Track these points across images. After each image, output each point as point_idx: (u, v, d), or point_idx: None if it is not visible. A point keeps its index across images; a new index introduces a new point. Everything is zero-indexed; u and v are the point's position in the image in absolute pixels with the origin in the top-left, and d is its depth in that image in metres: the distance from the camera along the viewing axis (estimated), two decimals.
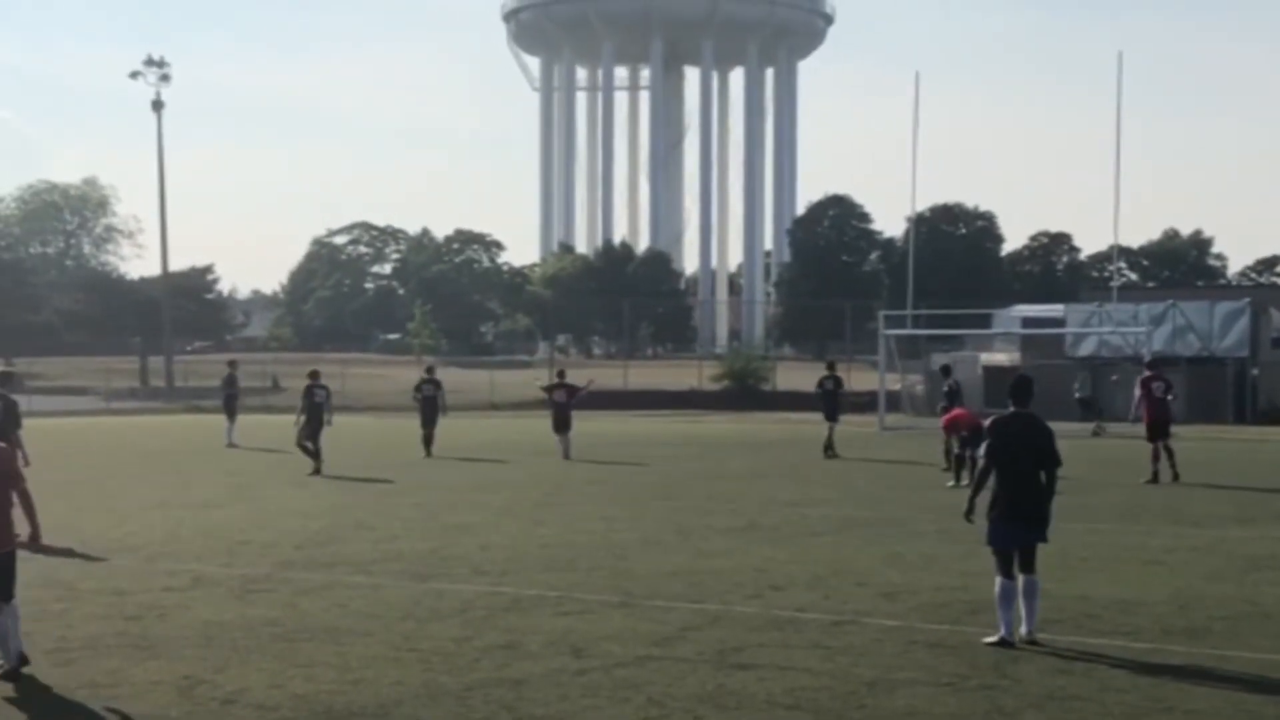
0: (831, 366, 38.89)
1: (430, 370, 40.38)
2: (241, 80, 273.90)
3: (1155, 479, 28.32)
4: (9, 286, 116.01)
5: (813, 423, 35.69)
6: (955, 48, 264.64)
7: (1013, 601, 12.42)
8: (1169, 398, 30.03)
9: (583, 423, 55.54)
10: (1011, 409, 12.84)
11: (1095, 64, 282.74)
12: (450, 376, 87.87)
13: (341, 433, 37.26)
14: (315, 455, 30.89)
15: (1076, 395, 51.50)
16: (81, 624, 13.38)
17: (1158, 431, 29.15)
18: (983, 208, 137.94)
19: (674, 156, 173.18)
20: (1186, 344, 57.82)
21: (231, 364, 44.55)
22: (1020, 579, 12.47)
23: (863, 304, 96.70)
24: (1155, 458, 28.83)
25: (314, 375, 33.10)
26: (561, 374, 39.60)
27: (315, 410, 31.96)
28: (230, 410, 41.75)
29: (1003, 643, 12.28)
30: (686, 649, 12.21)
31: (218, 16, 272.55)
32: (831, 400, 36.96)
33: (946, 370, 32.86)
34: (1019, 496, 12.51)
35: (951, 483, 27.47)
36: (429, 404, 38.00)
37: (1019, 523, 12.49)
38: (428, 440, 37.21)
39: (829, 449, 35.78)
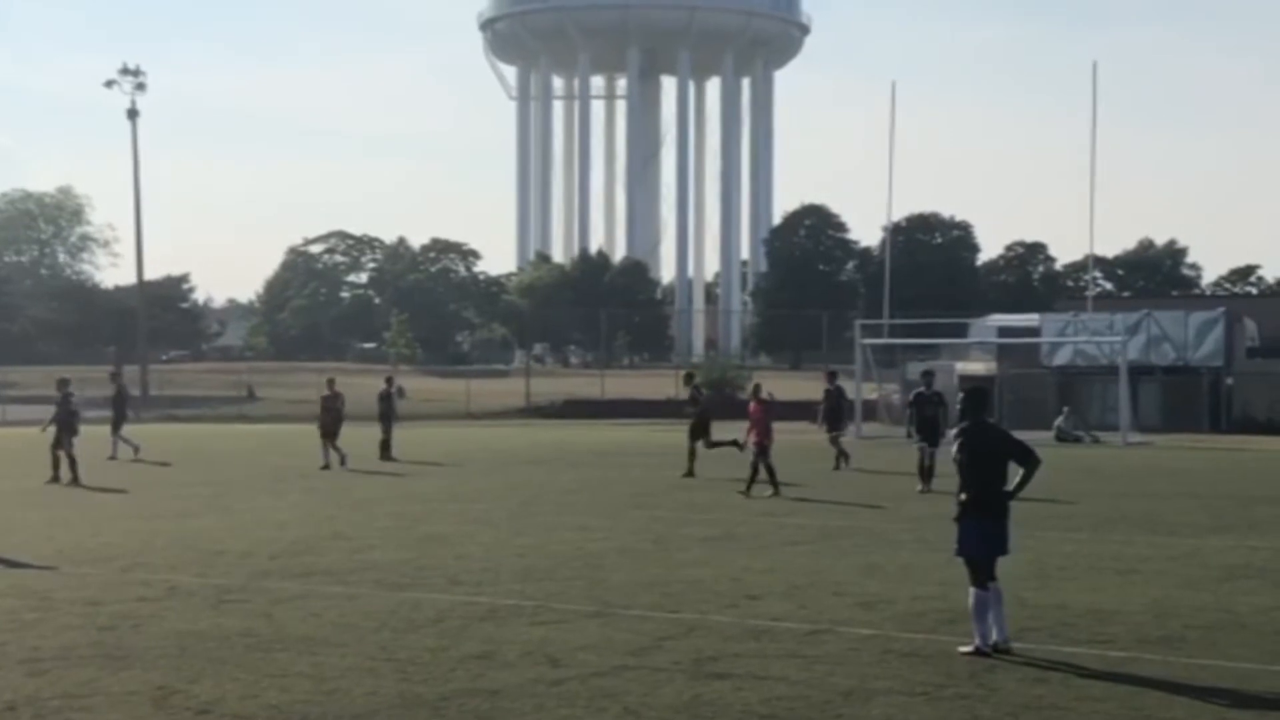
0: (834, 375, 38.05)
1: (389, 380, 41.23)
2: (217, 89, 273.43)
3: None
4: None
5: (791, 431, 35.74)
6: (931, 58, 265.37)
7: (987, 612, 12.42)
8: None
9: (558, 431, 55.56)
10: (973, 419, 12.89)
11: (1070, 75, 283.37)
12: (427, 386, 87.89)
13: (319, 442, 37.15)
14: (74, 464, 30.82)
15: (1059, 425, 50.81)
16: (55, 634, 13.31)
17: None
18: (959, 217, 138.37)
19: (651, 166, 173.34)
20: (1161, 353, 57.99)
21: (116, 375, 43.32)
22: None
23: (839, 313, 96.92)
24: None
25: (64, 384, 32.89)
26: (331, 381, 38.78)
27: (70, 419, 31.84)
28: (117, 421, 40.79)
29: (978, 652, 12.27)
30: (663, 658, 12.19)
31: (193, 26, 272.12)
32: (840, 409, 36.62)
33: (927, 378, 31.25)
34: (986, 503, 12.56)
35: (740, 490, 27.37)
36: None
37: (988, 530, 12.55)
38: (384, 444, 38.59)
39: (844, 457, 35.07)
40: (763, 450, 27.69)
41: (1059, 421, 50.73)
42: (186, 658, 12.25)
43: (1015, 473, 12.71)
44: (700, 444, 32.60)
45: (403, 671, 11.69)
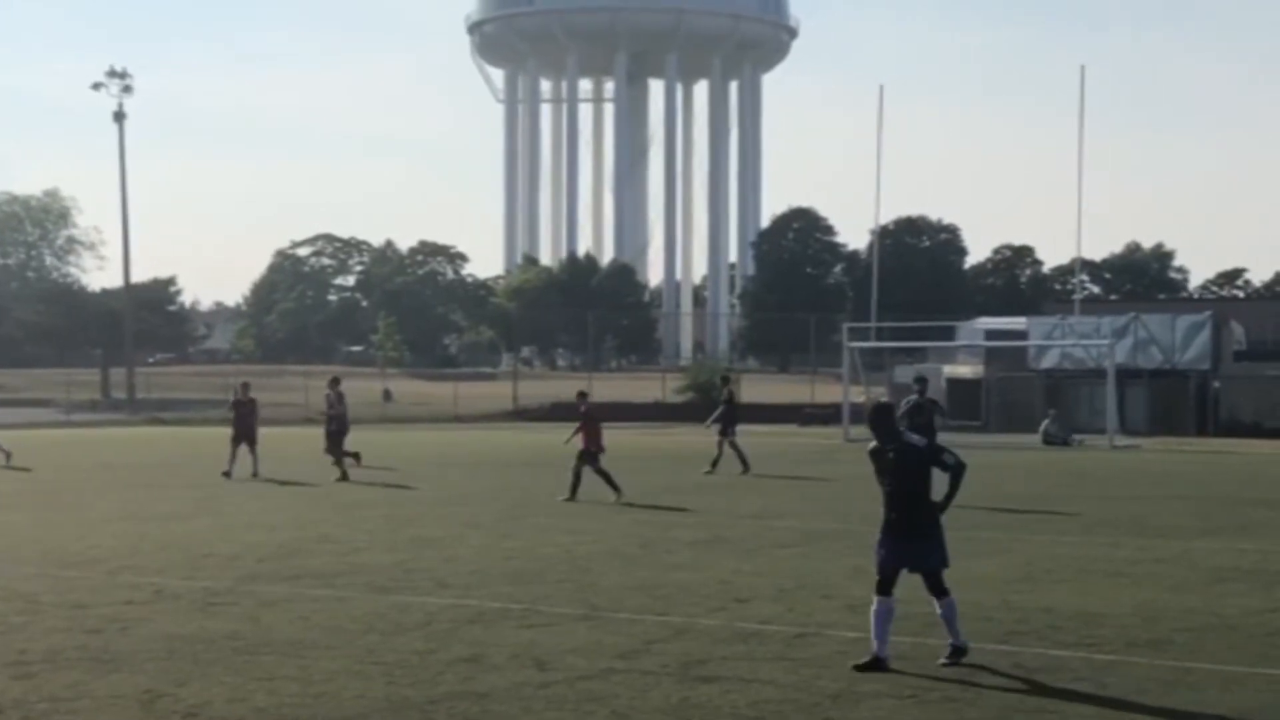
0: (727, 379, 38.24)
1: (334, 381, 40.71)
2: (204, 92, 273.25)
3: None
4: None
5: (779, 434, 35.75)
6: (919, 61, 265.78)
7: (889, 620, 12.06)
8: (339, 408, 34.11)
9: (546, 434, 55.48)
10: (880, 436, 12.38)
11: (1058, 78, 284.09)
12: (414, 389, 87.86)
13: (306, 445, 37.17)
14: None
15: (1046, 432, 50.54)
16: (42, 637, 13.29)
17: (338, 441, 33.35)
18: (946, 220, 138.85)
19: (638, 169, 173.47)
20: (1149, 357, 58.07)
21: None
22: (937, 603, 12.19)
23: (827, 316, 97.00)
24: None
25: None
26: (245, 386, 36.29)
27: None
28: None
29: (876, 662, 11.88)
30: (651, 662, 12.18)
31: (180, 29, 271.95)
32: (735, 413, 36.45)
33: (921, 384, 29.95)
34: (902, 518, 12.16)
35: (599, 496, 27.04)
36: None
37: (908, 544, 12.14)
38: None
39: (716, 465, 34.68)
40: (591, 457, 27.43)
41: (1045, 425, 50.77)
42: (174, 661, 12.23)
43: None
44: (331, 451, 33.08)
45: (390, 675, 11.68)
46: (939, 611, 12.24)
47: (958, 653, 12.13)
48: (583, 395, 29.04)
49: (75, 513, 25.16)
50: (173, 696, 10.96)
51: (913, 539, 12.16)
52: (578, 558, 18.93)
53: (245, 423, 33.95)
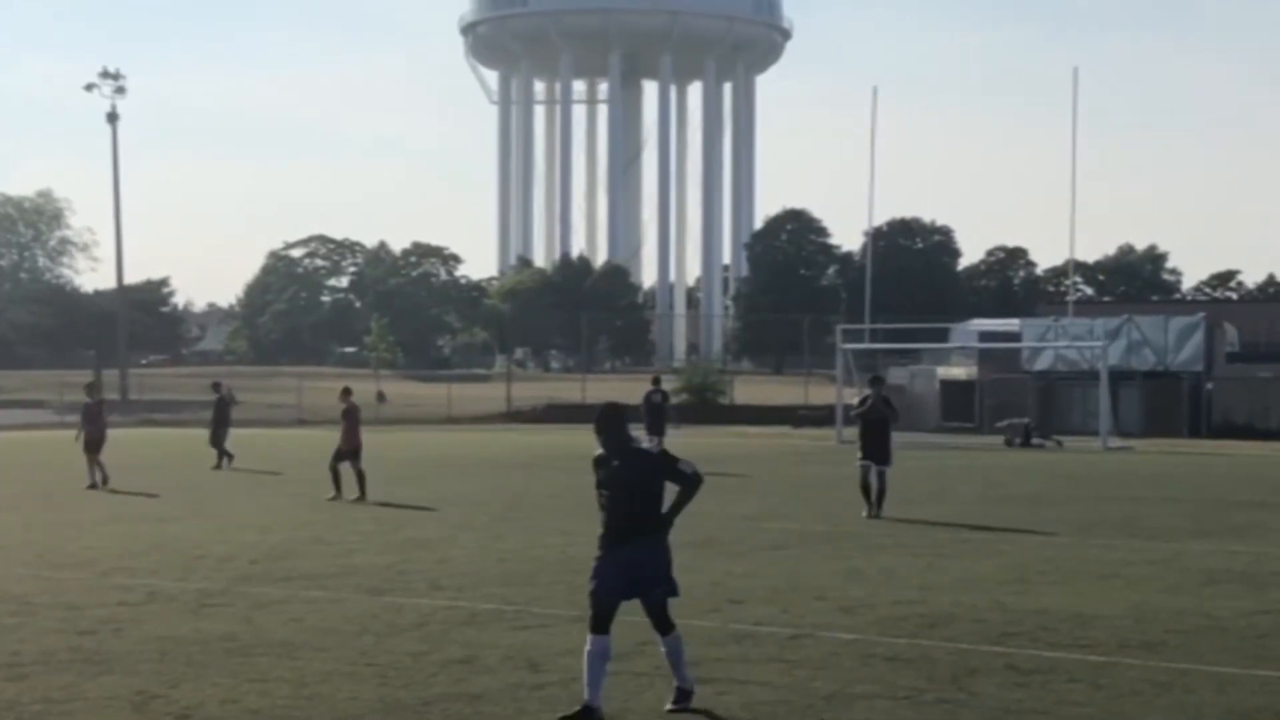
0: (657, 380, 38.87)
1: (217, 385, 41.58)
2: (198, 93, 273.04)
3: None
4: None
5: (773, 436, 35.76)
6: (913, 63, 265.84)
7: (605, 662, 10.48)
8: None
9: (541, 436, 55.57)
10: (605, 442, 11.04)
11: (1051, 80, 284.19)
12: (407, 390, 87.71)
13: (299, 446, 37.14)
14: None
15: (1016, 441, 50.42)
16: (35, 639, 13.27)
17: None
18: (940, 222, 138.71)
19: (632, 170, 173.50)
20: (1142, 358, 58.16)
21: None
22: (660, 640, 10.78)
23: (820, 318, 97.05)
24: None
25: None
26: (91, 387, 35.05)
27: None
28: None
29: (586, 710, 10.35)
30: (644, 663, 12.17)
31: (173, 30, 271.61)
32: (657, 414, 36.67)
33: (876, 385, 26.53)
34: (621, 540, 10.92)
35: (332, 495, 27.38)
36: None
37: (628, 570, 10.77)
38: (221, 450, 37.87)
39: None
40: (339, 455, 27.93)
41: (1003, 425, 51.45)
42: (167, 662, 12.21)
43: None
44: None
45: (383, 676, 11.67)
46: (662, 649, 10.76)
47: (684, 696, 10.71)
48: (346, 392, 29.25)
49: (68, 514, 25.13)
50: (166, 698, 10.95)
51: (633, 564, 10.70)
52: (571, 559, 18.89)
53: (96, 429, 31.94)
